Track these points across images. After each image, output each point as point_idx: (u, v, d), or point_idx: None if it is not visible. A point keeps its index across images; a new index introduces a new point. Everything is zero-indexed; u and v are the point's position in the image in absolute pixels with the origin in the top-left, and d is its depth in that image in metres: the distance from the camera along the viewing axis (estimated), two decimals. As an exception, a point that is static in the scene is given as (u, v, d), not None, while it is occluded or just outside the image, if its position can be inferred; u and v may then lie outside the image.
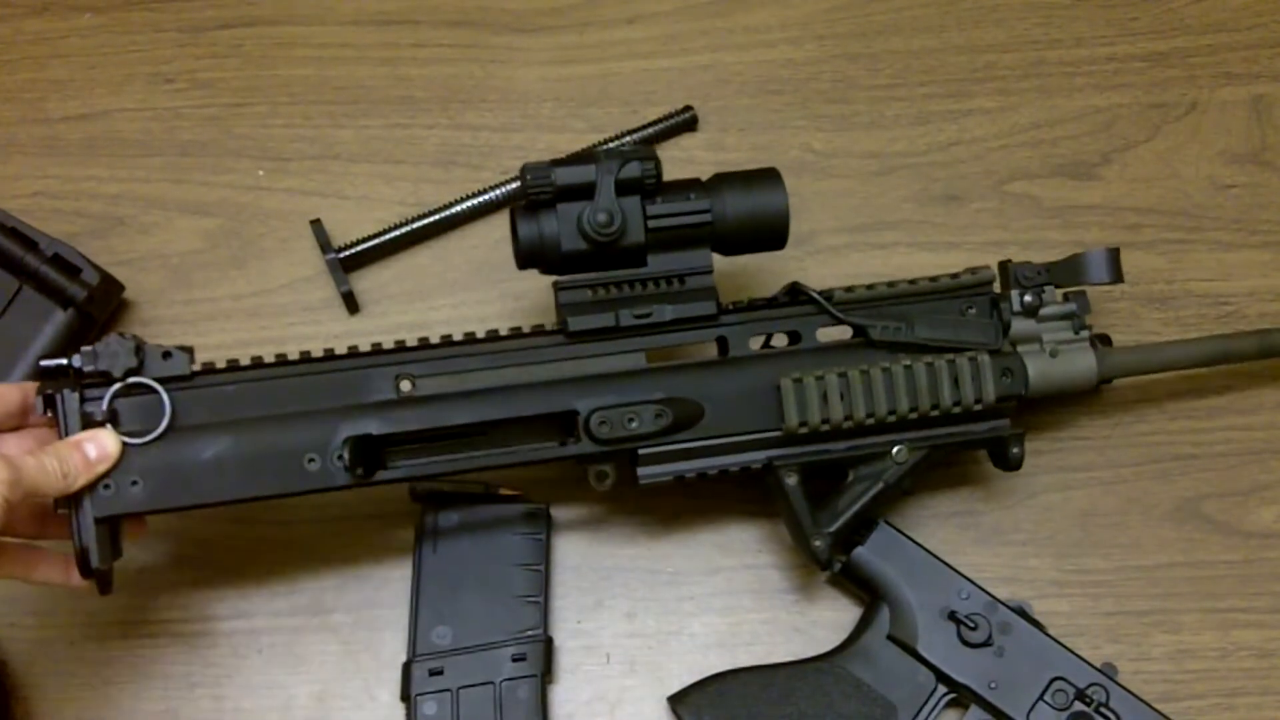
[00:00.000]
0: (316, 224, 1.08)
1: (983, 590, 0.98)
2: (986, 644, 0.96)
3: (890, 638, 0.97)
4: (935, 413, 0.95)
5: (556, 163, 0.92)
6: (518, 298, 1.09)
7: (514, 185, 1.11)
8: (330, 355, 0.94)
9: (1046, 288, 0.99)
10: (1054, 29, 1.18)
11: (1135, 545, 1.04)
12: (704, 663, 1.00)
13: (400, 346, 0.94)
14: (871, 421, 0.95)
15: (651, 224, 0.93)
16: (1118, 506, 1.05)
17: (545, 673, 0.97)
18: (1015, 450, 0.97)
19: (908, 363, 0.95)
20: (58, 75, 1.15)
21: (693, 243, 0.94)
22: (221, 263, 1.10)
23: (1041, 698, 0.95)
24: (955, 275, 0.98)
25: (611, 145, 1.12)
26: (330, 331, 1.09)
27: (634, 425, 0.93)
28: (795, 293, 0.98)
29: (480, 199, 1.10)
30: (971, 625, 0.96)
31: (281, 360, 0.93)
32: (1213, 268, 1.11)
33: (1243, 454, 1.06)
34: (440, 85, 1.15)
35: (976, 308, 0.98)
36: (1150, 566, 1.04)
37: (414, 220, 1.10)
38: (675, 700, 0.98)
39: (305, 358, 0.93)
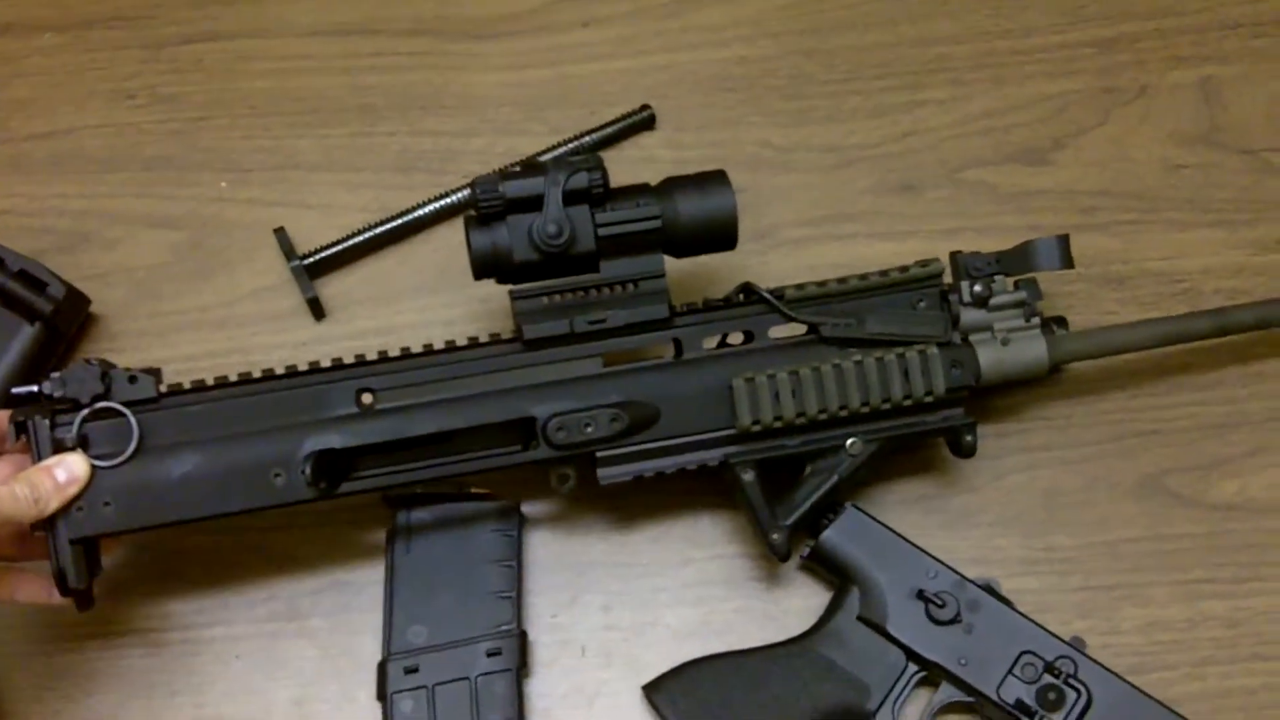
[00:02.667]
0: (280, 232, 1.09)
1: (951, 569, 0.99)
2: (955, 621, 0.97)
3: (860, 619, 0.98)
4: (887, 406, 0.97)
5: (505, 176, 0.94)
6: (483, 300, 1.10)
7: (465, 191, 1.12)
8: (292, 372, 0.96)
9: (997, 277, 1.00)
10: (1004, 19, 1.19)
11: (1101, 522, 1.05)
12: (679, 653, 1.00)
13: (360, 360, 0.97)
14: (824, 417, 0.96)
15: (601, 231, 0.94)
16: (1082, 484, 1.06)
17: (521, 667, 0.98)
18: (969, 439, 0.99)
19: (858, 358, 0.97)
20: (20, 94, 1.16)
21: (643, 247, 0.96)
22: (187, 275, 1.11)
23: (1011, 671, 0.96)
24: (905, 269, 1.00)
25: (567, 147, 1.13)
26: (297, 339, 1.09)
27: (590, 430, 0.95)
28: (748, 292, 0.99)
29: (442, 203, 1.11)
30: (940, 604, 0.97)
31: (245, 378, 0.96)
32: (1167, 247, 1.12)
33: (1203, 428, 1.08)
34: (399, 93, 1.16)
35: (926, 300, 1.00)
36: (1116, 542, 1.05)
37: (377, 225, 1.11)
38: (650, 689, 0.99)
39: (268, 375, 0.96)
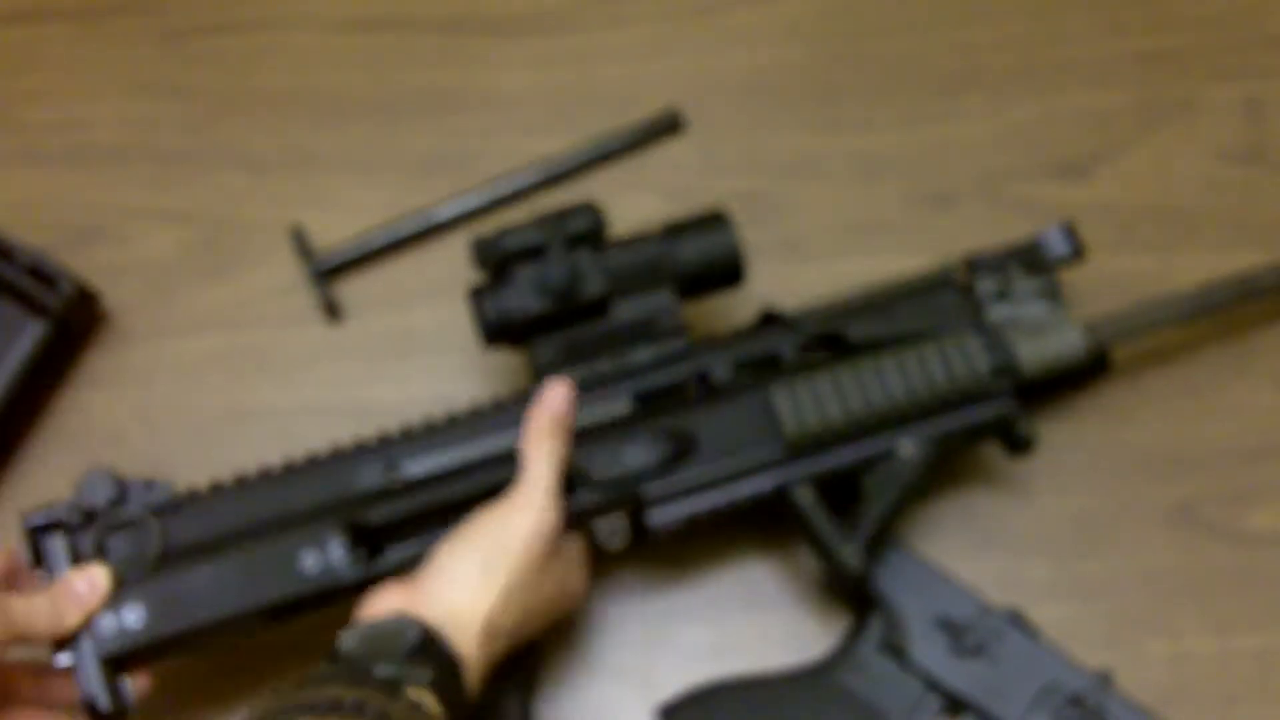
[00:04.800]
0: (297, 232, 1.07)
1: (975, 597, 0.96)
2: (979, 651, 0.95)
3: (881, 647, 0.96)
4: (933, 400, 0.95)
5: (502, 233, 0.93)
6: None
7: (496, 190, 1.10)
8: (314, 458, 0.92)
9: (1012, 269, 0.99)
10: (1044, 28, 1.16)
11: (1131, 549, 1.02)
12: (693, 672, 0.98)
13: (384, 435, 0.93)
14: (872, 419, 0.94)
15: (608, 271, 0.94)
16: (1113, 510, 1.04)
17: (530, 683, 0.96)
18: (1023, 430, 0.96)
19: (896, 356, 0.95)
20: (33, 84, 1.14)
21: (653, 284, 0.95)
22: (201, 272, 1.09)
23: (1035, 705, 0.94)
24: (921, 274, 0.99)
25: (591, 150, 1.09)
26: (312, 340, 1.07)
27: (629, 461, 0.92)
28: (769, 319, 0.99)
29: (463, 204, 1.09)
30: (964, 633, 0.95)
31: (265, 473, 0.92)
32: (1206, 268, 1.08)
33: (1238, 456, 1.05)
34: (422, 90, 1.14)
35: (949, 298, 0.99)
36: (1146, 570, 1.02)
37: (396, 226, 1.09)
38: (664, 713, 0.97)
39: (289, 466, 0.92)
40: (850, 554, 0.92)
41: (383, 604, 0.84)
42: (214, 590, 0.87)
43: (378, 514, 0.90)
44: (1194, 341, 1.07)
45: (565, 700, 0.99)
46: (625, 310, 0.95)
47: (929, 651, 0.95)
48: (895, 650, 0.95)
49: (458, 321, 1.07)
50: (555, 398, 0.91)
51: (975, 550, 1.02)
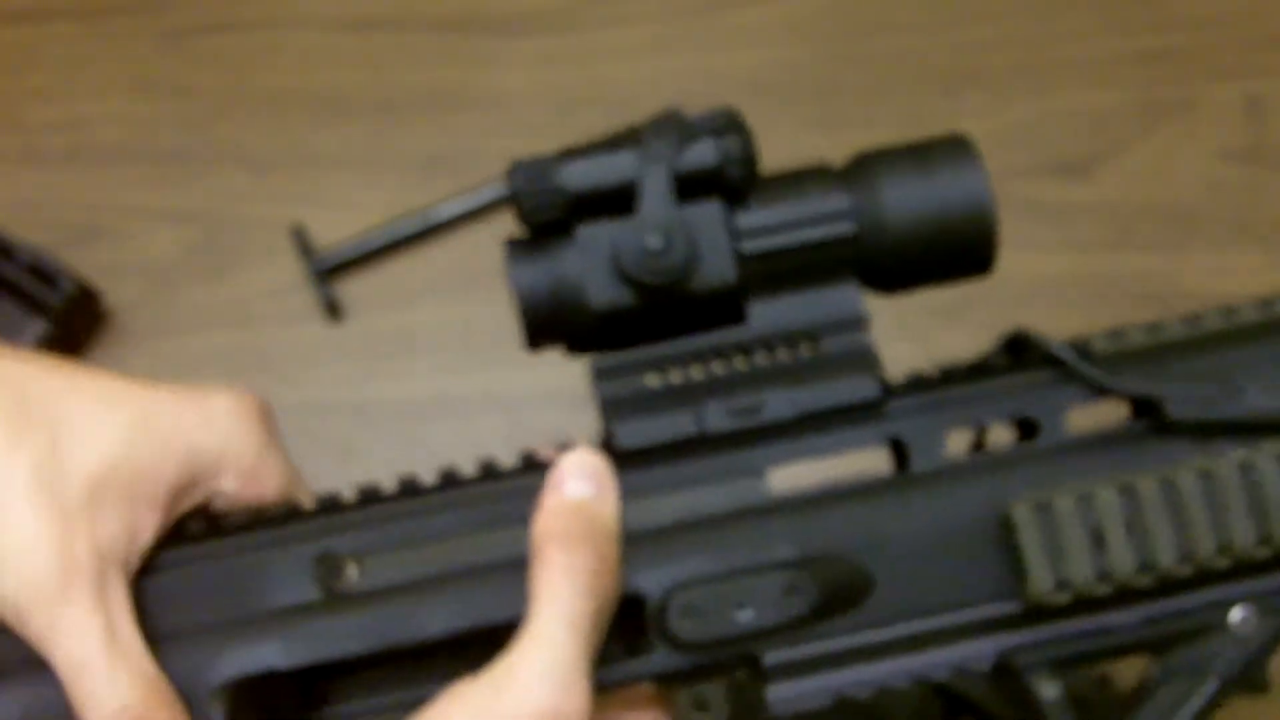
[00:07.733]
0: (298, 231, 1.07)
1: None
2: (980, 652, 0.95)
3: (882, 646, 0.96)
4: None
5: (568, 155, 0.56)
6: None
7: (499, 186, 1.08)
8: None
9: None
10: (1045, 27, 1.16)
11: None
12: (694, 673, 0.98)
13: (330, 504, 0.58)
14: (1188, 570, 0.54)
15: (748, 247, 0.56)
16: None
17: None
18: None
19: (1242, 458, 0.54)
20: (35, 83, 1.14)
21: (826, 275, 0.57)
22: (202, 271, 1.09)
23: (1037, 706, 0.94)
24: None
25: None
26: (313, 339, 1.07)
27: (745, 615, 0.54)
28: (1019, 349, 0.59)
29: (465, 202, 1.09)
30: (965, 633, 0.95)
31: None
32: (1210, 268, 1.09)
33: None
34: (423, 89, 1.14)
35: None
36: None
37: (396, 226, 1.09)
38: (665, 712, 0.96)
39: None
40: None
41: None
42: None
43: (288, 650, 0.53)
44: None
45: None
46: (771, 317, 0.57)
47: (930, 651, 0.95)
48: (896, 650, 0.95)
49: (459, 320, 1.08)
50: (574, 474, 0.54)
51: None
